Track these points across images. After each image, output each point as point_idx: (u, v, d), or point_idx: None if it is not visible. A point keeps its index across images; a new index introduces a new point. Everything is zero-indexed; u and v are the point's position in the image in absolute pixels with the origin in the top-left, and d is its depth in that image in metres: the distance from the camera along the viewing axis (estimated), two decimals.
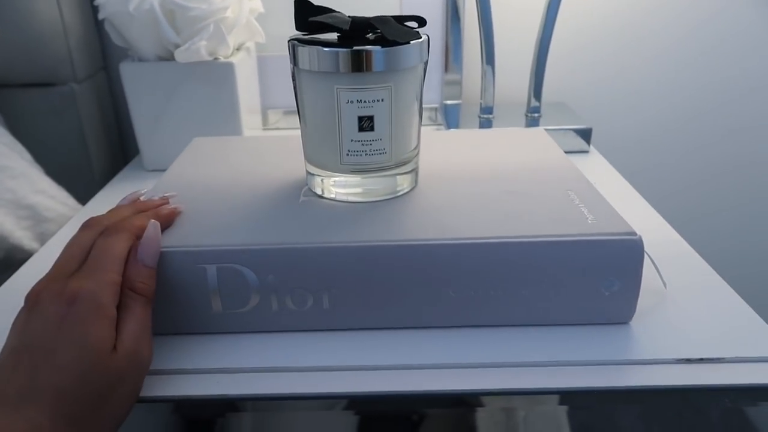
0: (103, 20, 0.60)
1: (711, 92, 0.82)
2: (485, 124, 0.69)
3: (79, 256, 0.32)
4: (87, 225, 0.35)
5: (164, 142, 0.62)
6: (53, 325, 0.29)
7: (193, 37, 0.57)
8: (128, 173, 0.65)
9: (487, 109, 0.70)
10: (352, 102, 0.37)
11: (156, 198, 0.39)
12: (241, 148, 0.51)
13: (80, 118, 0.71)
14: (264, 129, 0.76)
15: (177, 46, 0.57)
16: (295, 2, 0.39)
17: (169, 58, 0.59)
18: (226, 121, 0.62)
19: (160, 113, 0.61)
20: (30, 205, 0.52)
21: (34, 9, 0.65)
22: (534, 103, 0.70)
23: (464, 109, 0.75)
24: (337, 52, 0.35)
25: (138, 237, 0.34)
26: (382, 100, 0.37)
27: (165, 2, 0.56)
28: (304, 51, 0.37)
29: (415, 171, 0.42)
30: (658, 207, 0.58)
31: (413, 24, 0.40)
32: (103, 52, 0.78)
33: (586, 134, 0.67)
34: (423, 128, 0.42)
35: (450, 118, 0.71)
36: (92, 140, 0.73)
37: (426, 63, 0.39)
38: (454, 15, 0.72)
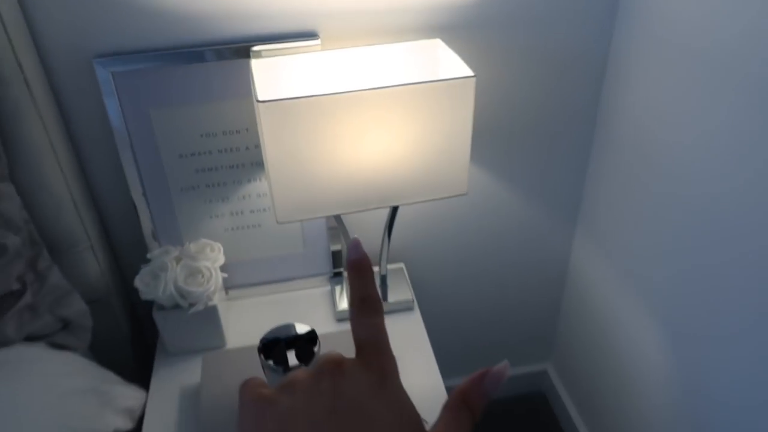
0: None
1: None
2: None
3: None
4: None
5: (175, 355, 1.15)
6: (371, 391, 0.28)
7: (194, 303, 1.09)
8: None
9: None
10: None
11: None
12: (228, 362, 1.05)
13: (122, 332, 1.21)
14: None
15: (187, 305, 1.09)
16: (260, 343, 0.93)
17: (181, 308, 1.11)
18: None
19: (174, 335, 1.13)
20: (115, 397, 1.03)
21: None
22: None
23: None
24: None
25: None
26: None
27: (178, 288, 1.08)
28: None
29: None
30: None
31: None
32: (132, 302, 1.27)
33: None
34: None
35: None
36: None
37: None
38: None
